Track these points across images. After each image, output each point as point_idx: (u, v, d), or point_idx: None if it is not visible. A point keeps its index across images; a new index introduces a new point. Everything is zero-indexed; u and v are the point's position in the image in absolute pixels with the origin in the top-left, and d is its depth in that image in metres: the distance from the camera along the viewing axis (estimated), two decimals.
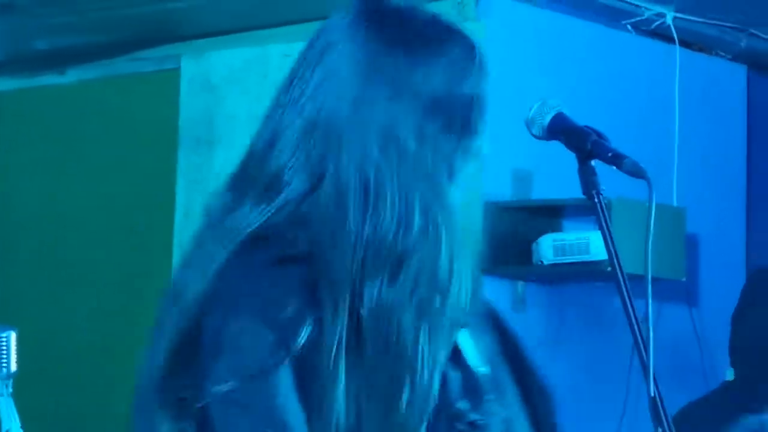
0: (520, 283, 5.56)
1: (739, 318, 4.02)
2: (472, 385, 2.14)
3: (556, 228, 5.51)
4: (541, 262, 5.38)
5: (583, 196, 5.20)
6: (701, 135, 5.65)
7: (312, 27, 5.40)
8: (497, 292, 5.38)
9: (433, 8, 5.38)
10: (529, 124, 2.86)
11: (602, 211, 2.64)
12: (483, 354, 2.17)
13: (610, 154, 2.65)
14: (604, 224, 2.62)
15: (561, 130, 2.61)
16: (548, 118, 2.80)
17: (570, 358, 5.71)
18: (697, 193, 5.44)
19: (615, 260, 2.64)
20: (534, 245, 5.40)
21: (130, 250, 6.24)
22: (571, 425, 5.08)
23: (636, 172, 2.65)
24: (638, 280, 2.90)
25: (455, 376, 2.15)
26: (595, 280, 5.59)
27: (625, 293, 2.67)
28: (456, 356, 2.16)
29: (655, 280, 2.66)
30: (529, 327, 5.50)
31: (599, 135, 2.73)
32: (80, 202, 6.39)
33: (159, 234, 6.06)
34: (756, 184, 6.12)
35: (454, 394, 2.12)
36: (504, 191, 5.54)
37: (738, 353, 4.01)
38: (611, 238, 2.68)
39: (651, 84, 5.37)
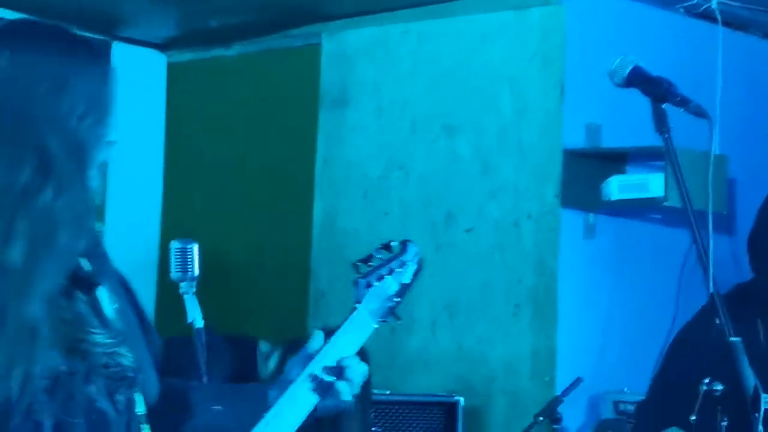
0: (591, 215, 5.58)
1: (755, 235, 4.07)
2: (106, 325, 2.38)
3: (621, 171, 5.52)
4: (609, 198, 5.43)
5: (643, 145, 5.54)
6: (741, 101, 5.77)
7: (424, 9, 5.85)
8: (573, 222, 5.58)
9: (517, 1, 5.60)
10: (611, 75, 3.02)
11: (670, 144, 2.91)
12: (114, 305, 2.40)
13: (678, 98, 2.91)
14: (671, 154, 2.94)
15: (640, 79, 2.98)
16: (628, 70, 2.98)
17: (630, 275, 5.74)
18: (736, 143, 5.51)
19: (680, 180, 2.94)
20: (603, 184, 5.43)
21: (280, 189, 6.45)
22: (624, 331, 5.47)
23: (700, 113, 2.93)
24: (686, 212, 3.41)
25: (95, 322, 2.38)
26: (652, 213, 5.67)
27: (690, 212, 2.95)
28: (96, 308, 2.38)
29: (701, 211, 3.19)
30: (597, 251, 5.67)
31: (670, 83, 2.94)
32: (241, 152, 6.62)
33: (303, 176, 6.33)
34: None
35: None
36: (579, 141, 5.55)
37: (757, 263, 4.03)
38: (678, 165, 2.96)
39: (696, 57, 5.46)
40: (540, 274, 5.52)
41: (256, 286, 5.58)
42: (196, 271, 3.75)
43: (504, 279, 5.55)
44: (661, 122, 2.90)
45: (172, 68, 7.06)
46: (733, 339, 3.03)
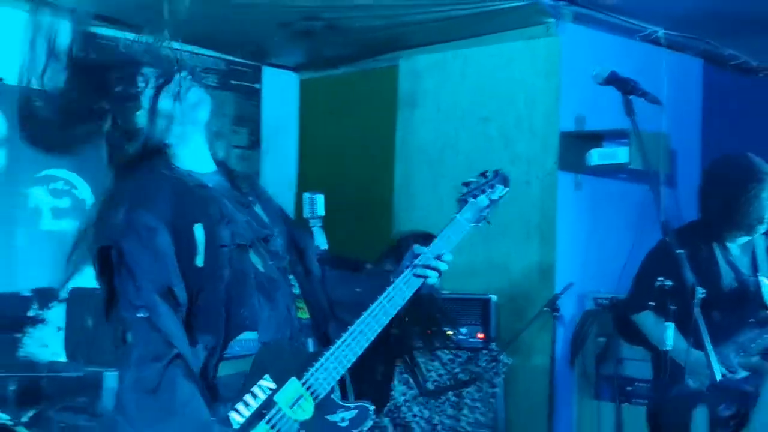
0: (579, 176, 5.60)
1: (704, 188, 4.07)
2: None
3: (599, 145, 5.52)
4: (590, 163, 5.49)
5: (613, 128, 5.62)
6: (674, 98, 5.71)
7: (467, 41, 5.96)
8: (566, 180, 5.58)
9: (526, 31, 5.65)
10: (595, 77, 3.09)
11: (635, 123, 2.99)
12: None
13: (640, 92, 3.00)
14: (636, 130, 3.00)
15: (614, 79, 3.05)
16: (607, 73, 3.07)
17: (604, 215, 5.73)
18: (673, 126, 5.50)
19: (643, 149, 3.13)
20: (586, 155, 5.48)
21: (372, 161, 6.49)
22: (600, 252, 5.60)
23: (655, 101, 2.99)
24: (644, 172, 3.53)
25: None
26: (619, 173, 5.63)
27: (650, 170, 3.16)
28: None
29: (653, 171, 3.24)
30: (583, 199, 5.67)
31: (635, 81, 3.02)
32: (347, 137, 6.63)
33: (388, 153, 6.35)
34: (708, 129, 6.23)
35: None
36: (570, 126, 5.54)
37: (703, 206, 4.08)
38: (639, 137, 3.05)
39: (646, 68, 5.20)
40: (543, 215, 5.55)
41: (355, 230, 5.49)
42: (322, 212, 3.78)
43: (520, 217, 5.51)
44: (629, 108, 2.97)
45: (303, 84, 7.02)
46: (678, 251, 3.11)
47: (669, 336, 3.14)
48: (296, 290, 2.43)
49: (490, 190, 2.51)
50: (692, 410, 3.58)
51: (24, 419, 4.41)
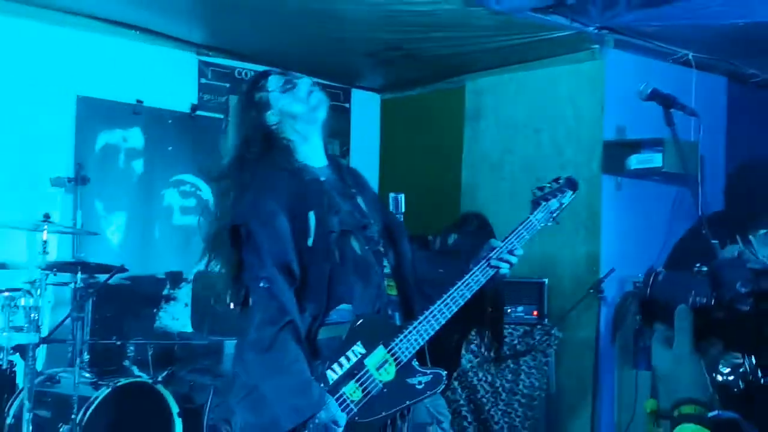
0: (619, 178, 5.56)
1: (730, 186, 3.84)
2: None
3: (637, 152, 5.40)
4: (630, 168, 5.44)
5: (648, 137, 5.44)
6: (706, 111, 5.37)
7: (522, 65, 5.91)
8: (609, 182, 5.54)
9: (574, 56, 5.59)
10: (640, 93, 2.85)
11: (675, 132, 2.79)
12: None
13: (679, 105, 2.82)
14: (675, 137, 2.82)
15: (656, 94, 2.83)
16: (650, 89, 2.83)
17: (641, 212, 5.63)
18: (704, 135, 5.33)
19: (681, 153, 3.07)
20: (626, 160, 5.44)
21: (444, 166, 6.42)
22: (638, 242, 5.52)
23: (692, 114, 2.86)
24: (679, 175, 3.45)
25: None
26: (654, 176, 5.48)
27: (687, 172, 3.31)
28: None
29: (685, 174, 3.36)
30: (623, 198, 5.61)
31: (674, 96, 2.83)
32: (423, 145, 6.62)
33: (456, 159, 6.33)
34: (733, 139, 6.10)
35: None
36: (612, 135, 5.52)
37: (728, 203, 3.81)
38: (679, 144, 2.87)
39: (678, 87, 4.87)
40: (590, 211, 5.50)
41: (428, 226, 5.10)
42: (403, 209, 3.66)
43: (570, 214, 5.25)
44: (669, 120, 2.83)
45: (384, 103, 7.01)
46: (713, 241, 3.00)
47: None
48: (387, 270, 2.39)
49: (560, 194, 2.48)
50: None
51: (160, 378, 4.45)
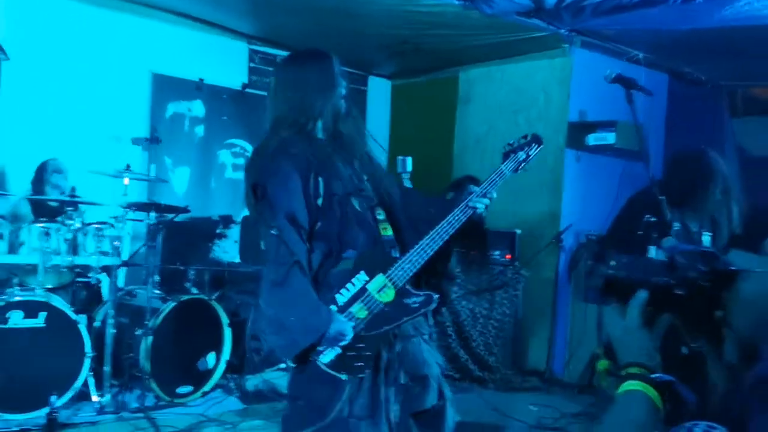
0: (579, 153, 5.48)
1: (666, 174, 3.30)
2: None
3: (594, 131, 5.32)
4: (588, 143, 5.36)
5: (604, 119, 5.33)
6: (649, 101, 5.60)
7: (506, 59, 5.79)
8: (570, 156, 5.42)
9: (548, 53, 5.47)
10: (606, 77, 2.70)
11: (634, 109, 2.62)
12: None
13: (639, 87, 2.69)
14: (634, 115, 2.61)
15: (620, 78, 2.69)
16: (615, 74, 2.70)
17: (596, 180, 5.53)
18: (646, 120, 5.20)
19: (638, 129, 2.67)
20: (586, 137, 5.35)
21: (439, 139, 6.26)
22: (591, 203, 5.43)
23: (648, 93, 2.75)
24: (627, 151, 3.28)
25: None
26: (607, 151, 5.43)
27: (641, 146, 3.03)
28: None
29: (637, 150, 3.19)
30: (581, 169, 5.51)
31: (634, 79, 2.67)
32: (423, 124, 6.50)
33: (448, 133, 6.18)
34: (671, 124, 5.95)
35: None
36: (575, 117, 5.43)
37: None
38: (637, 120, 2.61)
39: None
40: (554, 178, 5.46)
41: (425, 189, 4.96)
42: (410, 168, 3.72)
43: (538, 180, 5.39)
44: (629, 98, 2.70)
45: (394, 88, 6.88)
46: (660, 197, 2.84)
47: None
48: (382, 216, 2.28)
49: (528, 147, 2.37)
50: None
51: (213, 296, 4.43)
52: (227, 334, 4.33)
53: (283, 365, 4.66)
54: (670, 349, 1.34)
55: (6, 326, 3.59)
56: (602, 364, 1.29)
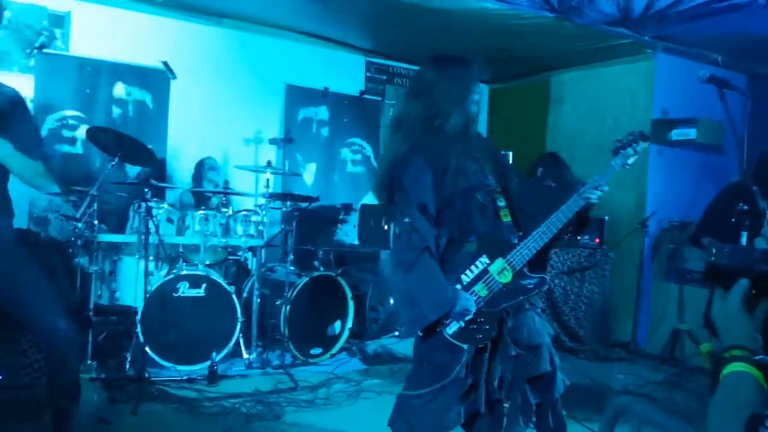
0: (663, 147, 5.17)
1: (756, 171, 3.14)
2: None
3: (676, 127, 5.13)
4: (671, 138, 5.12)
5: (685, 117, 4.97)
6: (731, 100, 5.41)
7: (594, 63, 5.58)
8: (655, 150, 5.24)
9: (632, 58, 5.18)
10: (701, 78, 2.35)
11: (726, 106, 2.27)
12: None
13: (732, 86, 2.35)
14: (728, 112, 2.31)
15: (713, 78, 2.33)
16: (709, 74, 2.34)
17: (681, 172, 5.29)
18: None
19: (733, 126, 2.43)
20: (669, 133, 5.14)
21: (535, 132, 6.08)
22: (676, 193, 5.29)
23: (742, 92, 2.42)
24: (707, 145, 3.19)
25: None
26: (690, 146, 5.15)
27: (735, 139, 2.79)
28: None
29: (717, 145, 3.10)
30: (666, 162, 5.23)
31: (727, 79, 2.34)
32: (518, 120, 6.33)
33: (541, 130, 6.04)
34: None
35: None
36: (659, 115, 5.22)
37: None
38: (729, 115, 2.34)
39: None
40: (640, 171, 5.28)
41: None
42: (510, 161, 3.48)
43: (626, 172, 5.03)
44: (722, 97, 2.37)
45: (491, 92, 6.72)
46: (754, 187, 2.76)
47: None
48: (503, 203, 2.23)
49: (635, 144, 2.27)
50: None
51: (338, 273, 4.43)
52: (351, 305, 4.39)
53: (396, 333, 4.72)
54: None
55: (177, 294, 3.78)
56: (705, 347, 1.22)
